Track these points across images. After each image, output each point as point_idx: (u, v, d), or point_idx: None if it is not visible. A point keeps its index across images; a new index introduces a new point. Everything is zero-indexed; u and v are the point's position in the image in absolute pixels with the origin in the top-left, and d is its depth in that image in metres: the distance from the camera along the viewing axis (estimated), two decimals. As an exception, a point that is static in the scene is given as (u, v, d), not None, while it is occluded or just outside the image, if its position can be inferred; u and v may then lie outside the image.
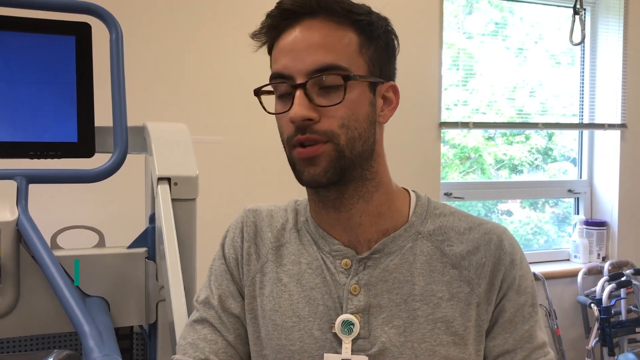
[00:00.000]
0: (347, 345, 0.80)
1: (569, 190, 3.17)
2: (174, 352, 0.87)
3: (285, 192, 2.06)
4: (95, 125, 1.15)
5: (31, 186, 1.07)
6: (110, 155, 1.13)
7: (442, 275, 0.81)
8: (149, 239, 1.11)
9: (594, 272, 3.01)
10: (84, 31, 1.17)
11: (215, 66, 2.26)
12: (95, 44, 1.17)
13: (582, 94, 3.17)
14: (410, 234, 0.83)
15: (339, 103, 0.75)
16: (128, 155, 1.13)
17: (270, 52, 0.82)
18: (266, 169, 2.27)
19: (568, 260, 3.14)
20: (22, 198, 1.03)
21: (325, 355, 0.80)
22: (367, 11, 0.79)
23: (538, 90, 3.11)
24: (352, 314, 0.80)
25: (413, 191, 0.88)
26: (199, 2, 2.24)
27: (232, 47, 2.24)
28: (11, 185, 1.04)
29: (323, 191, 0.81)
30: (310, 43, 0.75)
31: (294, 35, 0.76)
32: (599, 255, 3.08)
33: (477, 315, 0.80)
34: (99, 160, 1.14)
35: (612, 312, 2.76)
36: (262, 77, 0.81)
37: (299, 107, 0.74)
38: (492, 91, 3.02)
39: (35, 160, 1.11)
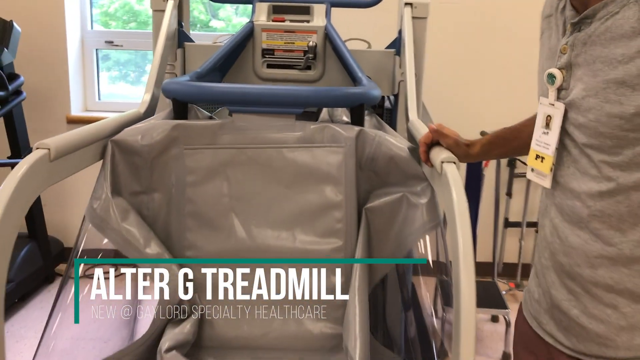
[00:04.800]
0: (551, 93, 0.98)
1: None
2: (408, 112, 1.56)
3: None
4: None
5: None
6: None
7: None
8: (397, 44, 1.80)
9: None
10: None
11: None
12: None
13: None
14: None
15: None
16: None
17: None
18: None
19: None
20: (328, 14, 1.79)
21: (541, 98, 1.01)
22: None
23: None
24: (559, 68, 0.97)
25: None
26: None
27: None
28: (321, 7, 1.80)
29: None
30: None
31: None
32: None
33: None
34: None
35: None
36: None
37: None
38: None
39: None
